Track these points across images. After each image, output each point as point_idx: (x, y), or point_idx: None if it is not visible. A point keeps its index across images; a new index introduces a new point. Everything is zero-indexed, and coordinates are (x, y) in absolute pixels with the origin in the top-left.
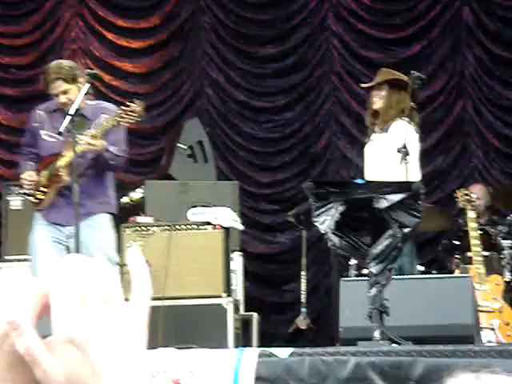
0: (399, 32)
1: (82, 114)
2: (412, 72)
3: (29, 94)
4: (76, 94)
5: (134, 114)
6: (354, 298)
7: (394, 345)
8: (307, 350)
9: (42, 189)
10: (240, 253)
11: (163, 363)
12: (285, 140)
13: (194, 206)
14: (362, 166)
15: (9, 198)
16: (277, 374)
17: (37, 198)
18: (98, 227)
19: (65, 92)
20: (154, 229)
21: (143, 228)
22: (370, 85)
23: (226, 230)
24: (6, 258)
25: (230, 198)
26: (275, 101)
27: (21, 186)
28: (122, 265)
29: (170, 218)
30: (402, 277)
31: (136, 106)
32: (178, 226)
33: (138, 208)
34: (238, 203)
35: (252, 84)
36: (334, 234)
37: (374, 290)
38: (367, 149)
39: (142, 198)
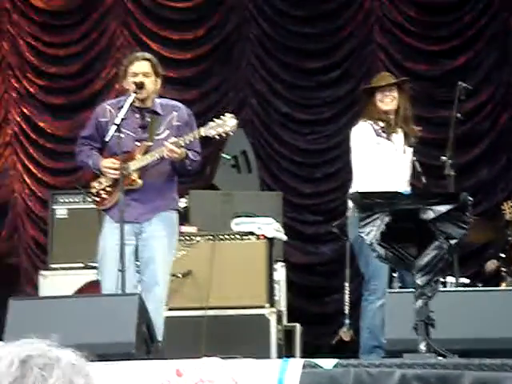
0: (445, 44)
1: (154, 111)
2: (458, 83)
3: (74, 102)
4: (151, 90)
5: (226, 128)
6: (398, 310)
7: (440, 358)
8: (352, 361)
9: (107, 188)
10: (283, 263)
11: (207, 372)
12: (328, 151)
13: (238, 216)
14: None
15: (55, 207)
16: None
17: (101, 198)
18: (168, 228)
19: (145, 75)
20: (198, 238)
21: (187, 237)
22: (378, 85)
23: (270, 240)
24: (52, 266)
25: (274, 208)
26: (319, 113)
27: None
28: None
29: (214, 228)
30: (447, 289)
31: (229, 119)
32: (221, 236)
33: (181, 217)
34: (281, 214)
35: (296, 96)
36: (379, 245)
37: (419, 302)
38: (385, 149)
39: (186, 207)
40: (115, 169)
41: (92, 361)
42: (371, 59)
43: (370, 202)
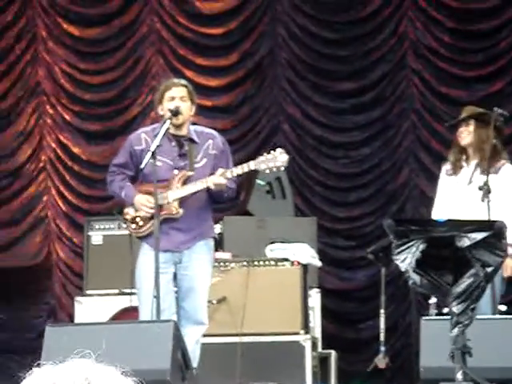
0: (480, 69)
1: (191, 139)
2: (495, 109)
3: (109, 129)
4: (186, 116)
5: (278, 163)
6: (434, 338)
7: None
8: None
9: (143, 216)
10: (317, 289)
11: None
12: (362, 176)
13: (272, 242)
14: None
15: (90, 234)
16: None
17: (138, 226)
18: (206, 256)
19: (182, 99)
20: (232, 265)
21: (221, 264)
22: (456, 121)
23: (305, 266)
24: (88, 292)
25: (308, 233)
26: (352, 136)
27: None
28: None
29: (248, 254)
30: (484, 317)
31: (279, 154)
32: (256, 262)
33: (216, 244)
34: (315, 239)
35: (329, 119)
36: (414, 272)
37: (456, 330)
38: (451, 183)
39: (220, 233)
40: (149, 207)
41: None
42: (405, 83)
43: (405, 229)
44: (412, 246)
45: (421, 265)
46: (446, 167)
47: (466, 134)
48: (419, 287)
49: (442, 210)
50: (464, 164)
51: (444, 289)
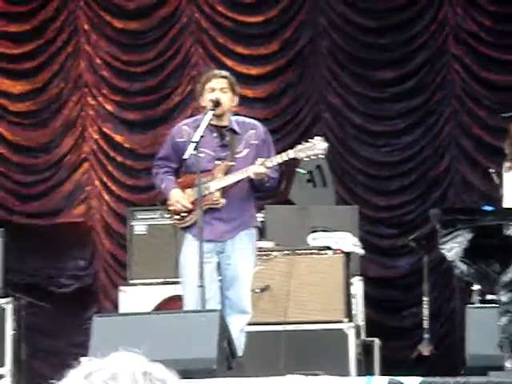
0: None
1: (233, 129)
2: None
3: (151, 118)
4: (227, 107)
5: (317, 151)
6: (480, 325)
7: None
8: (437, 379)
9: (185, 209)
10: (360, 277)
11: None
12: (403, 164)
13: (314, 231)
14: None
15: (133, 224)
16: None
17: (181, 217)
18: (249, 245)
19: (222, 90)
20: (275, 253)
21: (264, 252)
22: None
23: (347, 254)
24: (132, 282)
25: (350, 222)
26: (394, 125)
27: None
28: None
29: (290, 243)
30: None
31: (318, 142)
32: (298, 251)
33: (258, 233)
34: (357, 227)
35: (370, 108)
36: (461, 261)
37: (504, 319)
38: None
39: (263, 222)
40: (182, 206)
41: (183, 378)
42: (446, 70)
43: (452, 219)
44: (459, 235)
45: (468, 254)
46: (506, 164)
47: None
48: (466, 276)
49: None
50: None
51: (492, 278)
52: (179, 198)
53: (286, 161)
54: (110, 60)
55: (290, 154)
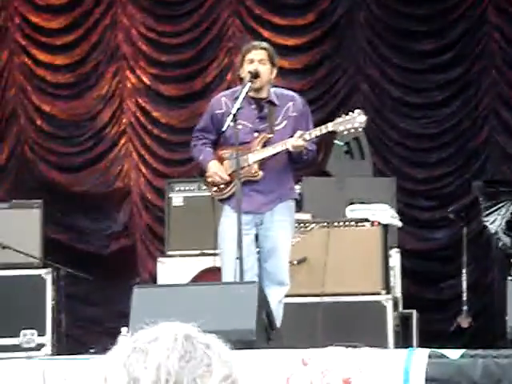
0: None
1: (271, 101)
2: None
3: (188, 92)
4: (266, 79)
5: (356, 124)
6: None
7: None
8: (480, 351)
9: (223, 181)
10: (398, 249)
11: (333, 362)
12: (442, 136)
13: (352, 203)
14: None
15: (171, 195)
16: (448, 375)
17: (219, 188)
18: (287, 217)
19: (261, 62)
20: (313, 225)
21: (301, 225)
22: None
23: (385, 226)
24: (169, 253)
25: (387, 194)
26: (432, 96)
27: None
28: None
29: (327, 215)
30: None
31: (358, 115)
32: (336, 223)
33: (296, 204)
34: (394, 199)
35: (408, 80)
36: (504, 233)
37: None
38: None
39: (300, 194)
40: (220, 177)
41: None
42: (486, 40)
43: (495, 191)
44: (502, 207)
45: (511, 226)
46: None
47: None
48: (509, 249)
49: None
50: None
51: None
52: (217, 169)
53: (325, 134)
54: (146, 31)
55: (329, 126)
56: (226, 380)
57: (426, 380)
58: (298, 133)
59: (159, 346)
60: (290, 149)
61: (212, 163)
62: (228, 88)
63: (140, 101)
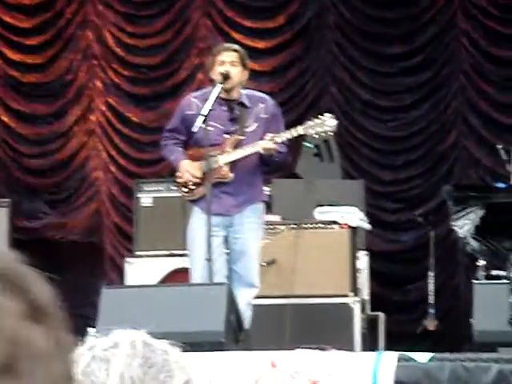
0: None
1: (242, 104)
2: None
3: (159, 92)
4: (237, 80)
5: (326, 128)
6: (487, 301)
7: None
8: (447, 355)
9: (195, 180)
10: (366, 252)
11: (302, 364)
12: (410, 138)
13: (321, 205)
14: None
15: (140, 196)
16: (416, 378)
17: (189, 189)
18: (257, 219)
19: (232, 63)
20: (282, 227)
21: (270, 226)
22: None
23: (353, 229)
24: (138, 253)
25: (356, 196)
26: (401, 99)
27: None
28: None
29: (297, 217)
30: None
31: (328, 119)
32: (304, 225)
33: (265, 206)
34: (363, 202)
35: (377, 83)
36: (473, 238)
37: None
38: None
39: (270, 196)
40: (193, 176)
41: (185, 351)
42: (454, 45)
43: (464, 196)
44: (471, 212)
45: (479, 231)
46: None
47: None
48: (477, 253)
49: None
50: None
51: (503, 255)
52: (189, 168)
53: (295, 137)
54: (117, 32)
55: (300, 130)
56: None
57: (395, 383)
58: (269, 136)
59: (119, 353)
60: (261, 151)
61: (184, 162)
62: (198, 88)
63: (110, 100)
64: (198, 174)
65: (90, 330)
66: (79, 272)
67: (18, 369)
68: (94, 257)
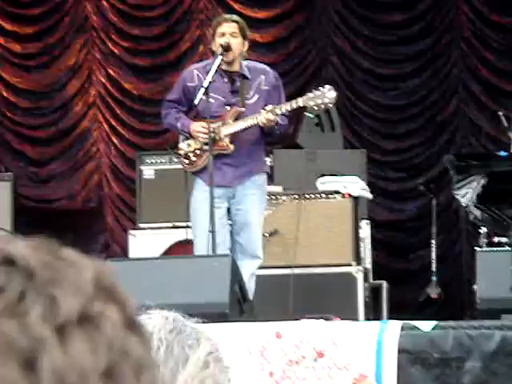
0: None
1: (243, 75)
2: None
3: (159, 64)
4: (237, 52)
5: (325, 100)
6: (490, 269)
7: None
8: (451, 323)
9: (196, 151)
10: (368, 221)
11: (307, 334)
12: (411, 107)
13: (323, 175)
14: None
15: (142, 168)
16: (420, 346)
17: (191, 161)
18: (259, 190)
19: (232, 35)
20: (284, 198)
21: (272, 197)
22: None
23: (355, 198)
24: (140, 225)
25: (358, 166)
26: (402, 68)
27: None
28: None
29: (298, 187)
30: None
31: (328, 91)
32: (307, 195)
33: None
34: (365, 171)
35: (378, 51)
36: (475, 206)
37: None
38: None
39: (271, 166)
40: (205, 133)
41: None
42: (454, 12)
43: (466, 164)
44: (473, 181)
45: (482, 199)
46: None
47: None
48: (480, 222)
49: None
50: None
51: (505, 223)
52: (200, 129)
53: (295, 108)
54: (117, 3)
55: (300, 102)
56: (212, 354)
57: (399, 352)
58: (269, 107)
59: (151, 322)
60: (261, 123)
61: (194, 125)
62: (200, 60)
63: (110, 71)
64: (210, 129)
65: None
66: (81, 242)
67: (122, 375)
68: (97, 228)
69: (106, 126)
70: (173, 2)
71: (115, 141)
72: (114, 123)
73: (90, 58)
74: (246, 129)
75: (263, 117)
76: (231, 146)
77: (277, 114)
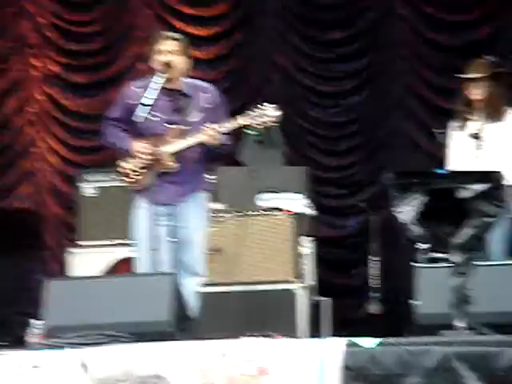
0: (468, 14)
1: (183, 93)
2: (487, 57)
3: (98, 81)
4: (178, 70)
5: (266, 118)
6: (429, 285)
7: (479, 335)
8: (392, 340)
9: (138, 170)
10: (310, 237)
11: (250, 352)
12: (351, 124)
13: (264, 192)
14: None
15: (82, 185)
16: (362, 363)
17: (130, 178)
18: (201, 208)
19: (173, 52)
20: (226, 215)
21: (215, 214)
22: (470, 77)
23: (297, 215)
24: (81, 243)
25: (299, 182)
26: (342, 85)
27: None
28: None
29: (241, 204)
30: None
31: (269, 109)
32: (249, 212)
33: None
34: (306, 188)
35: (318, 68)
36: (415, 224)
37: (456, 280)
38: (459, 136)
39: (215, 184)
40: (147, 153)
41: (132, 341)
42: (392, 30)
43: (405, 182)
44: (412, 198)
45: (421, 217)
46: (454, 124)
47: (480, 91)
48: (419, 239)
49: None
50: (471, 117)
51: (444, 240)
52: (141, 149)
53: (237, 127)
54: (54, 20)
55: (241, 121)
56: None
57: (341, 368)
58: (212, 126)
59: None
60: (204, 141)
61: (135, 144)
62: (140, 76)
63: (47, 89)
64: (152, 150)
65: (34, 322)
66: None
67: None
68: (36, 247)
69: (43, 145)
70: (112, 18)
71: (53, 159)
72: (51, 142)
73: (27, 76)
74: (189, 147)
75: (206, 134)
76: (175, 165)
77: (219, 133)
